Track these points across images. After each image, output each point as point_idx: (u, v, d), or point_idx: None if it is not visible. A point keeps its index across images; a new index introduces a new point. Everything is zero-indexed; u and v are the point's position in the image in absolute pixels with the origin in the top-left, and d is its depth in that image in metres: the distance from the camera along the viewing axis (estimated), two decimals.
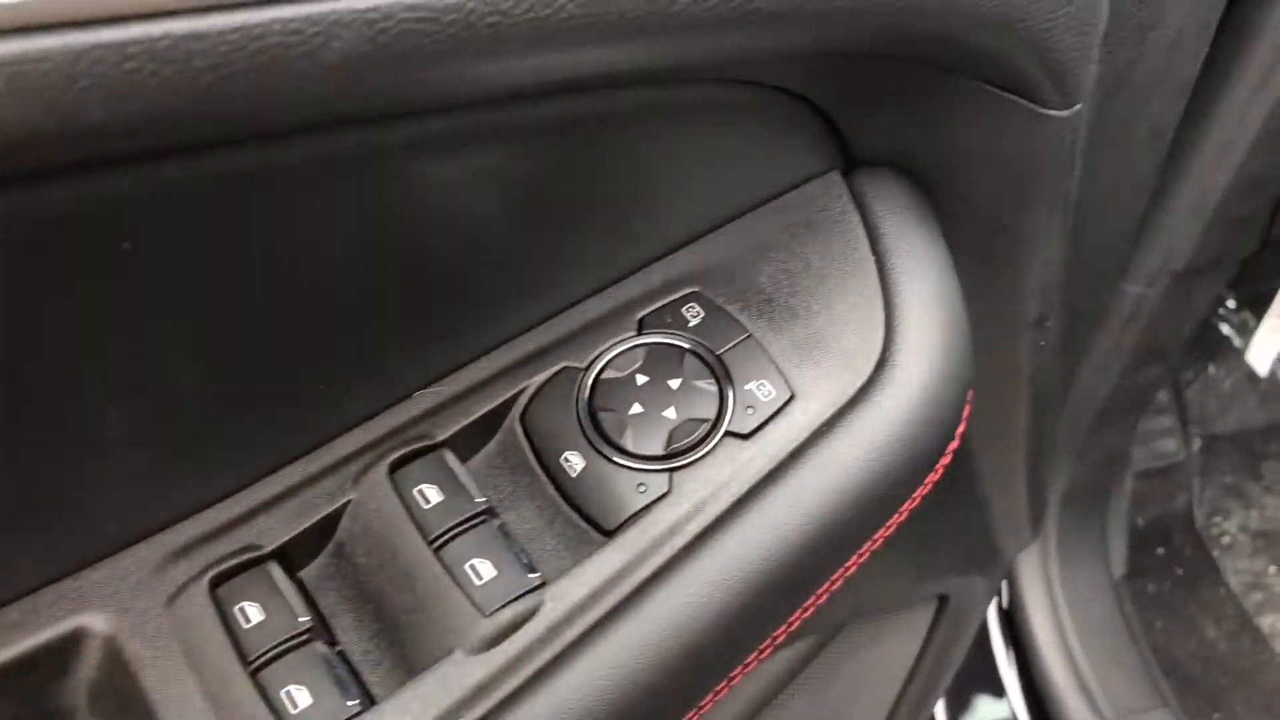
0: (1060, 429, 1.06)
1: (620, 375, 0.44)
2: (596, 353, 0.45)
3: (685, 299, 0.46)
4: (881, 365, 0.43)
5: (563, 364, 0.45)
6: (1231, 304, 1.55)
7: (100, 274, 0.32)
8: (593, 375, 0.45)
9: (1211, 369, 1.53)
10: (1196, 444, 1.47)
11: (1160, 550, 1.42)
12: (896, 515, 0.44)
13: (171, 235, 0.33)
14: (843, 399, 0.43)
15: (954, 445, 0.45)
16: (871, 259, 0.45)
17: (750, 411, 0.43)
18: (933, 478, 0.45)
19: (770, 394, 0.43)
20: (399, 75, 0.28)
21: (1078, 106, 0.42)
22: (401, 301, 0.40)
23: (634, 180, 0.43)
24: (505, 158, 0.38)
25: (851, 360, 0.43)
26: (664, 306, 0.46)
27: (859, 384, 0.43)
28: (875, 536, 0.44)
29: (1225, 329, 1.54)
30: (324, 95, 0.27)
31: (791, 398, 0.43)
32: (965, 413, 0.45)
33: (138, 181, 0.30)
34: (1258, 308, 1.55)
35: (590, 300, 0.46)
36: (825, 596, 0.45)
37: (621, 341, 0.45)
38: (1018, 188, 0.45)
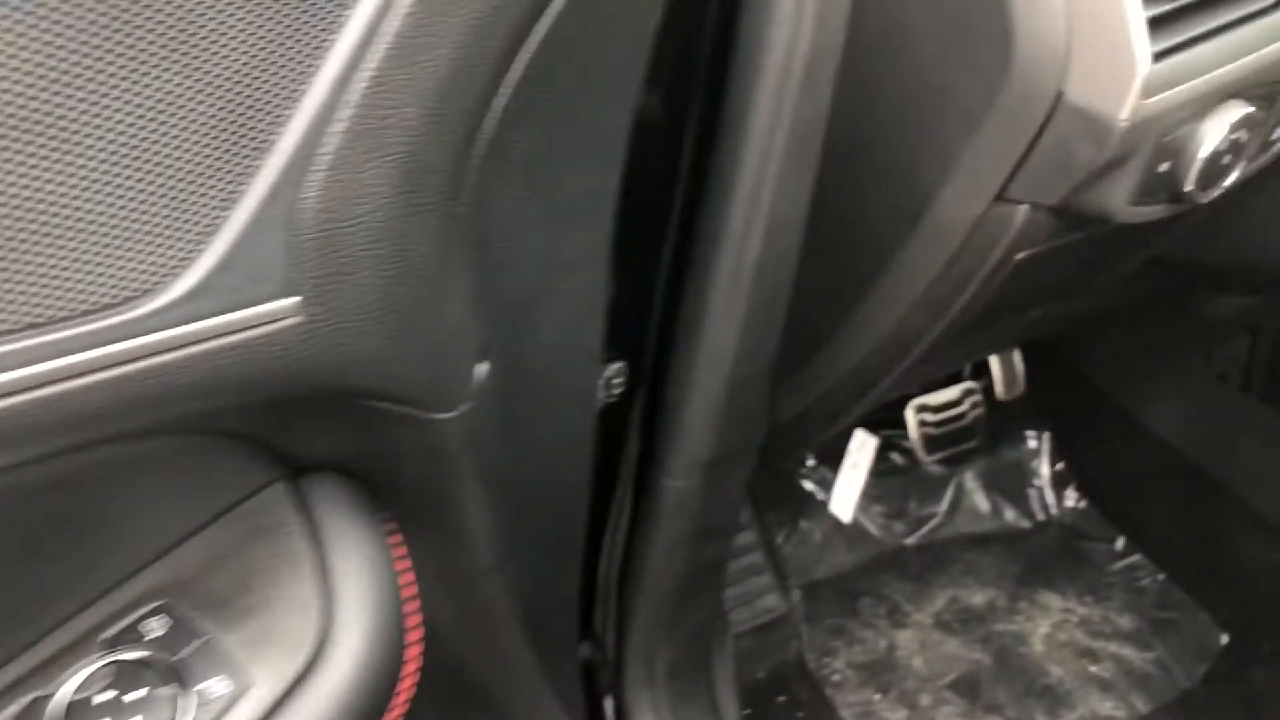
0: (645, 614, 1.18)
1: (86, 696, 0.50)
2: (64, 678, 0.50)
3: (151, 613, 0.52)
4: (320, 647, 0.51)
5: (34, 694, 0.50)
6: (812, 462, 1.76)
7: None
8: (61, 701, 0.50)
9: (803, 523, 1.72)
10: (797, 595, 1.64)
11: (781, 698, 1.56)
12: None
13: None
14: (289, 682, 0.50)
15: (404, 696, 0.53)
16: (312, 555, 0.53)
17: (208, 708, 0.50)
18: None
19: (227, 689, 0.50)
20: None
21: (462, 408, 0.53)
22: None
23: (93, 520, 0.50)
24: None
25: (296, 647, 0.51)
26: (130, 624, 0.52)
27: (302, 667, 0.50)
28: None
29: (809, 485, 1.74)
30: None
31: (245, 689, 0.50)
32: (410, 668, 0.53)
33: None
34: (833, 463, 1.77)
35: (60, 629, 0.51)
36: None
37: (89, 663, 0.51)
38: (435, 471, 0.55)
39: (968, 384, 1.69)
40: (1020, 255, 0.85)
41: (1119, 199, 0.79)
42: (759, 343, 1.00)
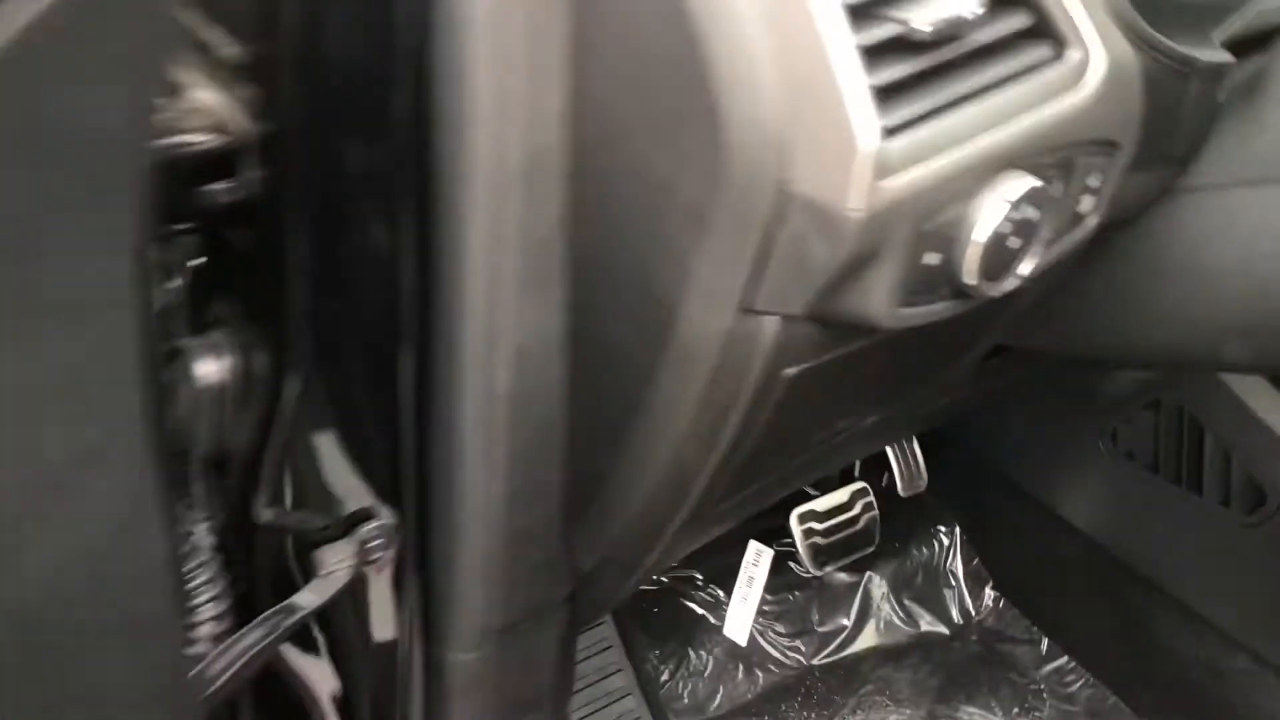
0: None
1: None
2: None
3: None
4: None
5: None
6: (700, 579, 1.60)
7: None
8: None
9: (692, 653, 1.55)
10: None
11: None
12: None
13: None
14: None
15: None
16: None
17: None
18: None
19: None
20: None
21: None
22: None
23: None
24: None
25: None
26: None
27: None
28: None
29: (698, 608, 1.58)
30: None
31: None
32: None
33: None
34: (725, 580, 1.60)
35: None
36: None
37: None
38: None
39: (857, 484, 1.54)
40: (790, 371, 0.71)
41: (879, 302, 0.65)
42: (535, 486, 0.86)
